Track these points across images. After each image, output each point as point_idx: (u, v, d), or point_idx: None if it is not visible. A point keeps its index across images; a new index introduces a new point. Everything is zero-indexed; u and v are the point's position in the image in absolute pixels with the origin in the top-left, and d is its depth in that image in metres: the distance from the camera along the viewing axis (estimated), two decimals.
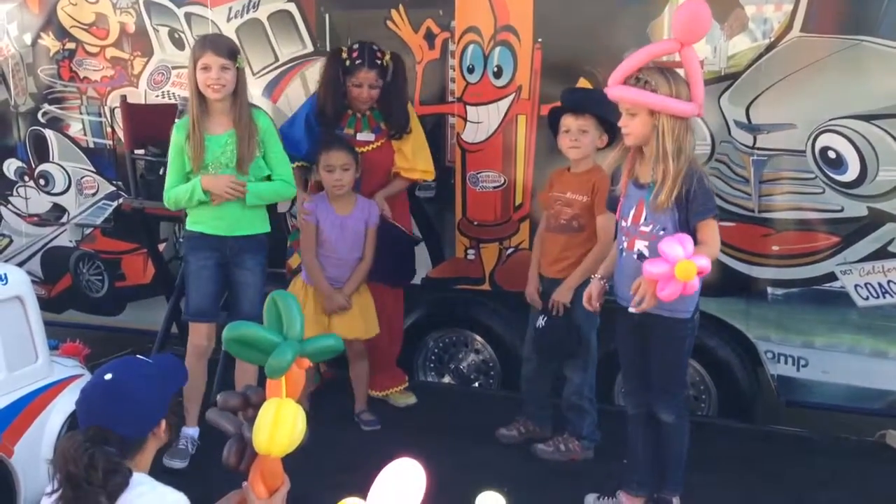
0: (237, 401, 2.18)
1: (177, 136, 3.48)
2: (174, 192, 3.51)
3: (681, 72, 2.89)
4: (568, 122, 3.46)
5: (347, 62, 3.85)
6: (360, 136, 3.95)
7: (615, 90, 2.91)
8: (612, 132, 3.44)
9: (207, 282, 3.58)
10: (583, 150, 3.46)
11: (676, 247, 2.65)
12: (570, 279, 3.48)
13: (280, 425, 1.99)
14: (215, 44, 3.43)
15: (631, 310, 2.87)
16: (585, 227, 3.48)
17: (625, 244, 3.02)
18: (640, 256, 2.95)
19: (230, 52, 3.42)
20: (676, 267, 2.62)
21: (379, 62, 3.86)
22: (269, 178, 3.57)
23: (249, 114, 3.49)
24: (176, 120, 3.60)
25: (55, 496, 1.90)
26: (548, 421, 3.81)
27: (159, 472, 2.06)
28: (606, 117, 3.39)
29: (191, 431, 3.64)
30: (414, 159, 3.99)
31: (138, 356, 2.16)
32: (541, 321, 3.56)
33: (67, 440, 1.91)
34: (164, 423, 2.05)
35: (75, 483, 1.85)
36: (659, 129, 2.84)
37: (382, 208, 3.89)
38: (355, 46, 3.88)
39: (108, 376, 1.99)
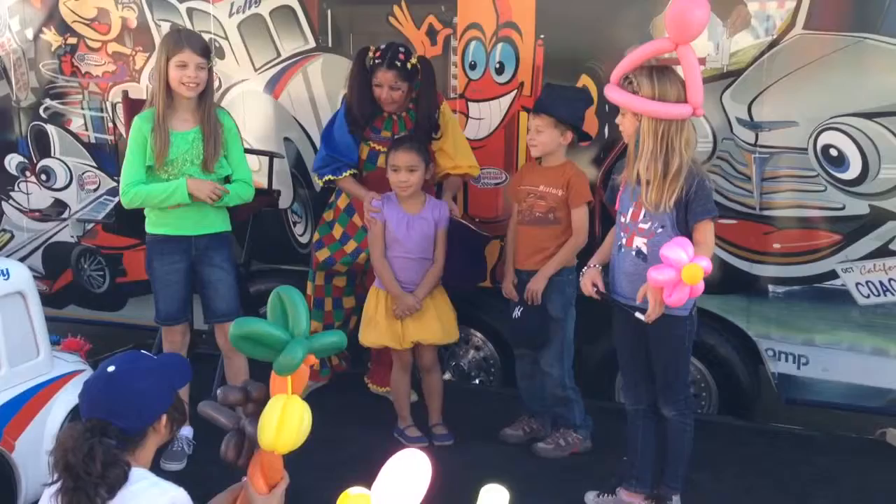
0: (238, 395, 2.18)
1: (141, 128, 3.40)
2: (145, 190, 3.40)
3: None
4: (529, 120, 3.58)
5: (371, 62, 3.79)
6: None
7: (607, 90, 3.00)
8: (579, 131, 3.53)
9: (177, 286, 3.56)
10: (539, 149, 3.53)
11: (679, 251, 2.66)
12: (544, 269, 3.52)
13: (287, 422, 1.99)
14: (192, 41, 3.41)
15: (639, 316, 2.88)
16: (562, 220, 3.52)
17: (623, 240, 3.04)
18: (639, 254, 2.97)
19: (206, 50, 3.42)
20: (683, 271, 2.63)
21: (399, 63, 3.75)
22: (228, 178, 3.57)
23: (215, 112, 3.49)
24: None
25: (55, 488, 1.91)
26: (547, 418, 3.81)
27: (158, 472, 2.06)
28: (560, 118, 3.46)
29: (185, 431, 3.63)
30: (456, 156, 3.92)
31: (142, 351, 2.17)
32: (517, 312, 3.59)
33: (68, 431, 1.93)
34: (164, 419, 2.05)
35: (74, 474, 1.86)
36: (641, 129, 2.90)
37: (452, 208, 3.81)
38: (381, 46, 3.82)
39: (111, 369, 2.00)
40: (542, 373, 3.67)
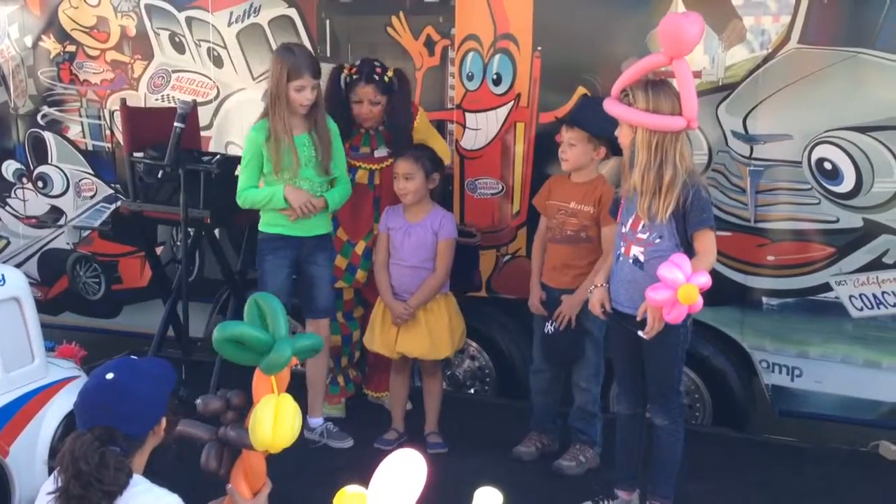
0: (219, 404, 2.21)
1: (256, 137, 3.62)
2: (251, 194, 3.67)
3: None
4: (562, 132, 3.52)
5: (347, 79, 3.85)
6: (378, 153, 3.94)
7: (606, 104, 3.04)
8: (613, 147, 3.45)
9: (282, 280, 3.71)
10: (570, 163, 3.48)
11: (675, 271, 2.70)
12: (579, 292, 3.46)
13: (281, 420, 2.05)
14: (310, 65, 3.57)
15: (640, 334, 2.92)
16: (593, 239, 3.47)
17: (622, 249, 3.07)
18: (636, 262, 3.01)
19: (319, 70, 3.61)
20: (679, 292, 2.69)
21: (377, 77, 3.82)
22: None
23: (325, 118, 3.68)
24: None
25: (55, 495, 1.91)
26: (557, 433, 3.79)
27: (150, 476, 2.07)
28: (593, 132, 3.40)
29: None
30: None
31: (132, 357, 2.18)
32: (549, 327, 3.55)
33: (75, 439, 1.92)
34: (164, 422, 2.07)
35: (85, 481, 1.87)
36: (636, 141, 2.94)
37: None
38: (357, 63, 3.89)
39: (111, 376, 2.00)
40: (578, 389, 3.62)
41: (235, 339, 2.09)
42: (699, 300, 2.73)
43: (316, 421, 3.88)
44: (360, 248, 4.01)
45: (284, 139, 3.57)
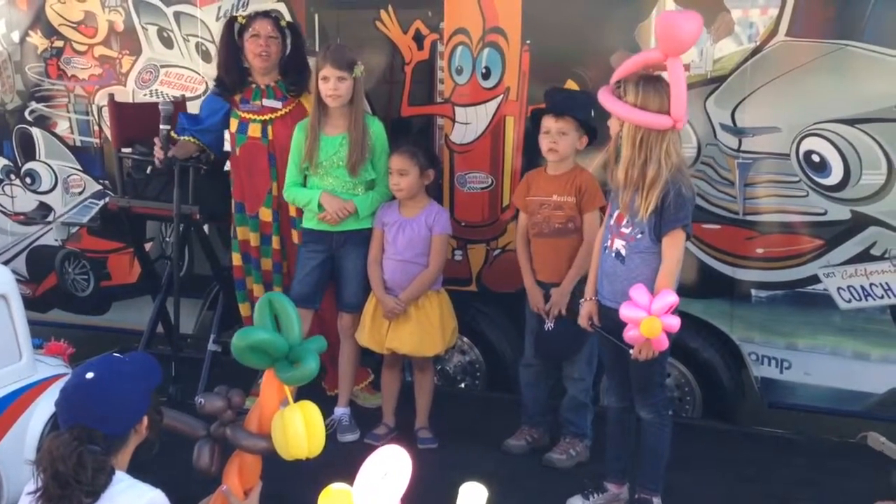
0: (221, 404, 2.19)
1: (298, 135, 3.80)
2: (293, 193, 3.84)
3: None
4: (548, 123, 3.47)
5: (243, 21, 3.94)
6: (266, 103, 3.98)
7: (599, 93, 3.04)
8: (592, 134, 3.47)
9: (312, 272, 3.85)
10: (560, 153, 3.47)
11: (635, 310, 2.77)
12: (565, 284, 3.48)
13: (314, 427, 2.08)
14: (334, 56, 3.65)
15: (631, 353, 2.95)
16: (581, 229, 3.47)
17: (608, 242, 3.09)
18: (618, 255, 3.04)
19: (347, 64, 3.65)
20: (641, 328, 2.76)
21: (273, 15, 3.97)
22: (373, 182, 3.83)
23: (363, 119, 3.75)
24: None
25: (36, 494, 1.90)
26: (547, 426, 3.79)
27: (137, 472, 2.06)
28: (586, 120, 3.42)
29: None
30: None
31: (115, 354, 2.16)
32: (549, 324, 3.55)
33: (54, 439, 1.92)
34: (146, 420, 2.05)
35: (63, 482, 1.86)
36: (623, 134, 2.93)
37: None
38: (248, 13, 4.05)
39: (90, 375, 1.99)
40: (571, 380, 3.63)
41: (255, 347, 2.10)
42: (675, 322, 2.77)
43: (339, 410, 3.93)
44: (265, 214, 4.06)
45: (313, 135, 3.70)
